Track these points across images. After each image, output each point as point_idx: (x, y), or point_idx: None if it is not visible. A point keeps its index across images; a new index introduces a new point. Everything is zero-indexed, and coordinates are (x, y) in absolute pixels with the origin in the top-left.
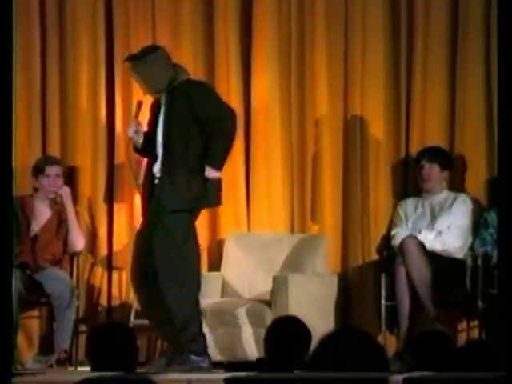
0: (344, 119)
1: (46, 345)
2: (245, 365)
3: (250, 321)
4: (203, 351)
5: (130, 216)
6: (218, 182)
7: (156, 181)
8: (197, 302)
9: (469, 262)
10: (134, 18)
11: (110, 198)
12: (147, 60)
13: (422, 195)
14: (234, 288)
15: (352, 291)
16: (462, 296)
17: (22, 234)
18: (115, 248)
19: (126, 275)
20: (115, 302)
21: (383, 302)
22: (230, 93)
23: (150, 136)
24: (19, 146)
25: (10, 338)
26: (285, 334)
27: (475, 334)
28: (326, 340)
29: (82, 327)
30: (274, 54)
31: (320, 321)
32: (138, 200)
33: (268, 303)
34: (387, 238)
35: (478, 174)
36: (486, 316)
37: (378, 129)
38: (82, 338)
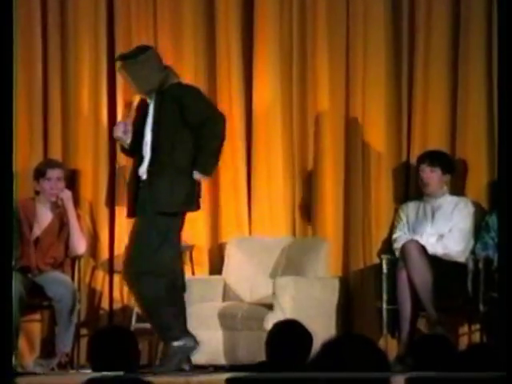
0: (345, 119)
1: (48, 348)
2: (246, 368)
3: (252, 324)
4: (182, 334)
5: (131, 219)
6: (199, 186)
7: (141, 184)
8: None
9: (470, 265)
10: (136, 18)
11: (111, 202)
12: (138, 60)
13: (424, 199)
14: (236, 292)
15: (353, 295)
16: (463, 300)
17: (24, 238)
18: (116, 251)
19: None
20: (117, 306)
21: (384, 305)
22: (231, 92)
23: (137, 136)
24: (20, 149)
25: (11, 340)
26: (286, 337)
27: (477, 337)
28: (327, 345)
29: (84, 331)
30: (276, 54)
31: (321, 324)
32: None
33: (269, 307)
34: (388, 242)
35: (479, 177)
36: (488, 320)
37: (379, 130)
38: (84, 342)
